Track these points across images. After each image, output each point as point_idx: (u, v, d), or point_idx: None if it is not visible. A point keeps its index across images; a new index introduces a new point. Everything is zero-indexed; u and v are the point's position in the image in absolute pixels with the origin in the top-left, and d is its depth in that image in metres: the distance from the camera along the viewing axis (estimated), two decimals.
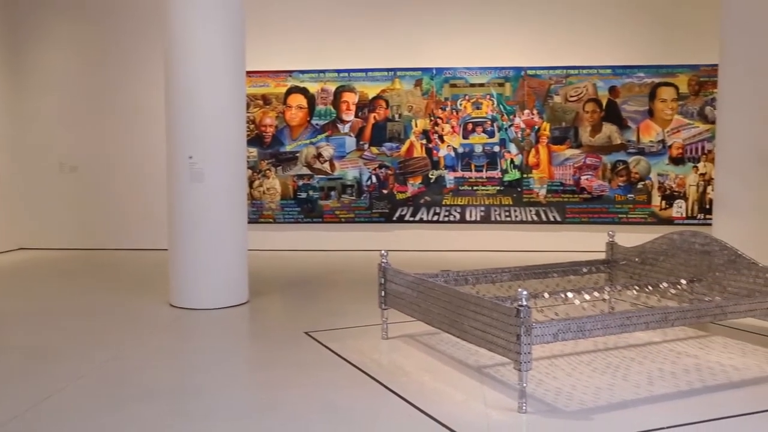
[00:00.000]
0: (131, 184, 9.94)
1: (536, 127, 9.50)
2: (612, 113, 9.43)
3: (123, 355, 4.70)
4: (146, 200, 9.79)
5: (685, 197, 9.43)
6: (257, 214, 9.79)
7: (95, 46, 9.94)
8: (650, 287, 4.97)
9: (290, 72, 9.73)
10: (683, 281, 4.98)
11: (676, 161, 9.40)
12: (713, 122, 8.60)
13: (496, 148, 9.56)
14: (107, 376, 4.25)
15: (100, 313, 5.99)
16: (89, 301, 6.55)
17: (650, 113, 9.40)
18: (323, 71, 9.69)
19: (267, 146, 9.77)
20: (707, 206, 9.22)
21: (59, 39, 10.05)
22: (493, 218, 9.61)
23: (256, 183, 9.80)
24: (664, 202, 9.46)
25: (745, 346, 4.77)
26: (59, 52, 10.05)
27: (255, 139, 9.69)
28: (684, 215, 9.43)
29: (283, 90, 9.74)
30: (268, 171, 9.79)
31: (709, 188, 9.23)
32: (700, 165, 9.36)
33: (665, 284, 4.95)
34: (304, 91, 9.72)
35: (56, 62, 10.05)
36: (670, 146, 9.39)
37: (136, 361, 4.57)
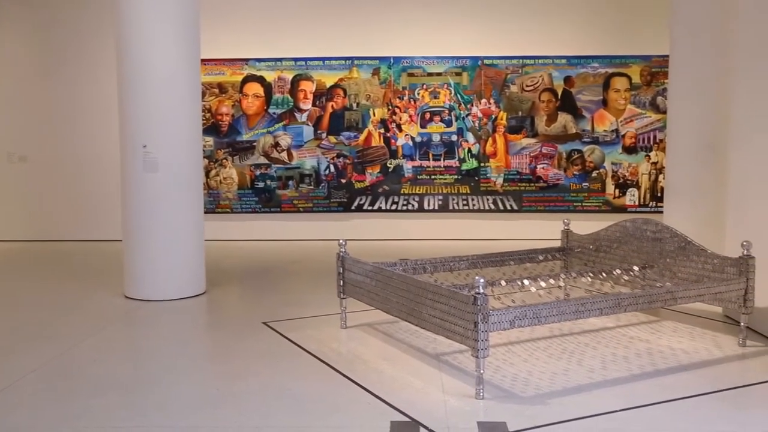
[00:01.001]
0: (83, 174, 9.72)
1: (493, 116, 9.58)
2: (567, 103, 9.56)
3: (76, 347, 4.61)
4: (99, 190, 9.60)
5: (637, 186, 9.63)
6: (214, 204, 9.68)
7: (46, 33, 9.68)
8: (604, 274, 5.07)
9: (246, 60, 9.61)
10: (636, 268, 5.09)
11: (629, 150, 9.58)
12: (664, 112, 8.80)
13: (454, 138, 9.61)
14: (60, 370, 4.17)
15: (53, 306, 5.86)
16: (41, 293, 6.40)
17: (604, 103, 9.56)
18: (280, 59, 9.61)
19: (223, 135, 9.66)
20: (659, 194, 9.44)
21: (9, 25, 9.75)
22: (450, 207, 9.67)
23: (213, 172, 9.68)
24: (617, 190, 9.64)
25: (693, 330, 4.91)
26: (8, 38, 9.76)
27: (211, 128, 9.57)
28: (637, 203, 9.63)
29: (239, 78, 9.62)
30: (224, 160, 9.68)
31: (660, 177, 9.44)
32: (652, 154, 9.57)
33: (618, 271, 5.05)
34: (260, 80, 9.62)
35: (5, 48, 9.75)
36: (623, 135, 9.56)
37: (89, 354, 4.49)
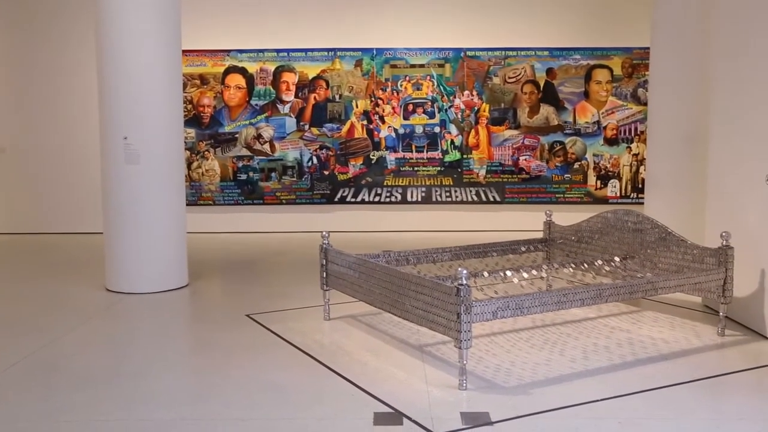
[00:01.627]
0: (63, 166, 9.62)
1: (476, 108, 9.59)
2: (549, 95, 9.60)
3: (57, 341, 4.57)
4: (79, 182, 9.51)
5: (619, 177, 9.70)
6: (196, 196, 9.62)
7: (23, 22, 9.54)
8: (586, 265, 5.11)
9: (228, 51, 9.55)
10: (617, 258, 5.13)
11: (611, 142, 9.64)
12: (645, 104, 8.86)
13: (437, 129, 9.62)
14: (41, 363, 4.14)
15: (33, 299, 5.80)
16: (21, 286, 6.34)
17: (586, 95, 9.60)
18: (262, 51, 9.55)
19: (205, 127, 9.60)
20: (640, 186, 9.51)
21: None
22: (433, 199, 9.69)
23: (195, 164, 9.62)
24: (599, 181, 9.70)
25: (674, 320, 4.97)
26: None
27: (193, 120, 9.50)
28: (618, 194, 9.70)
29: (221, 69, 9.56)
30: (206, 152, 9.62)
31: (641, 168, 9.51)
32: (633, 145, 9.63)
33: (600, 262, 5.10)
34: (242, 71, 9.56)
35: None
36: (604, 127, 9.62)
37: (71, 348, 4.46)
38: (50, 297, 5.88)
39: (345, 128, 9.61)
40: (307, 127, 9.61)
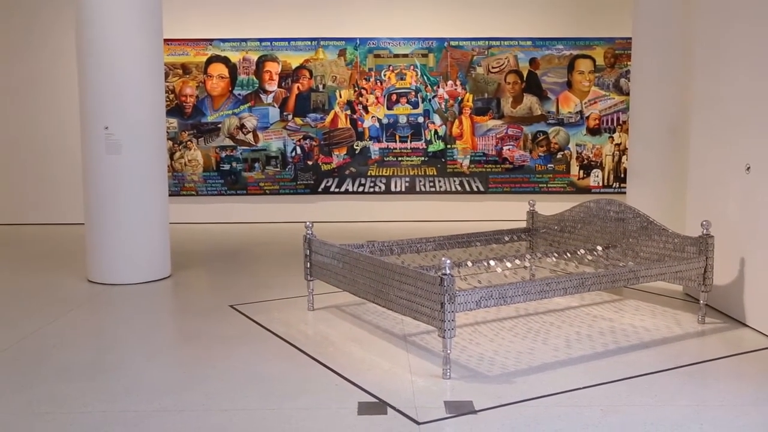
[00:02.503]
0: (44, 156, 9.51)
1: (459, 98, 9.60)
2: (532, 84, 9.62)
3: (39, 332, 4.53)
4: (60, 173, 9.42)
5: (601, 167, 9.75)
6: (179, 187, 9.56)
7: (3, 11, 9.39)
8: (568, 254, 5.14)
9: (210, 40, 9.47)
10: (599, 248, 5.17)
11: (593, 132, 9.69)
12: (627, 94, 8.91)
13: (420, 119, 9.61)
14: (22, 355, 4.10)
15: (13, 291, 5.75)
16: (1, 278, 6.27)
17: (569, 85, 9.64)
18: (245, 40, 9.48)
19: (188, 117, 9.53)
20: (622, 175, 9.57)
21: None
22: (417, 189, 9.70)
23: (177, 155, 9.55)
24: (582, 171, 9.76)
25: (655, 308, 5.02)
26: None
27: (175, 110, 9.43)
28: (600, 184, 9.76)
29: (203, 59, 9.48)
30: (189, 142, 9.56)
31: (623, 158, 9.57)
32: (616, 135, 9.69)
33: (582, 251, 5.13)
34: (225, 61, 9.49)
35: None
36: (587, 117, 9.66)
37: (53, 339, 4.42)
38: (32, 288, 5.82)
39: (328, 118, 9.58)
40: (290, 117, 9.57)
